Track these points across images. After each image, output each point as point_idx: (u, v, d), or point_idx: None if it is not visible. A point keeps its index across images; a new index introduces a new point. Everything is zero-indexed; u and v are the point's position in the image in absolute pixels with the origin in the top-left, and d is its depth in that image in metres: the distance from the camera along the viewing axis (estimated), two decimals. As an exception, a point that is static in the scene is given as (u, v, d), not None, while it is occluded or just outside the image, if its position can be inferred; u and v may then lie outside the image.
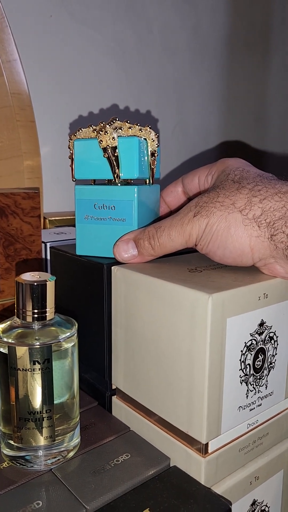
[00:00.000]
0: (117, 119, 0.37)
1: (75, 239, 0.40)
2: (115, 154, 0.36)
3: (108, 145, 0.36)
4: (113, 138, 0.36)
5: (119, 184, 0.37)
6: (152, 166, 0.38)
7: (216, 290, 0.29)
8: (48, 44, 0.67)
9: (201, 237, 0.33)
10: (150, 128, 0.37)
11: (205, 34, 0.88)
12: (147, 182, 0.39)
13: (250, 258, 0.32)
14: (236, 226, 0.31)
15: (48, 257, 0.49)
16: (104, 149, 0.36)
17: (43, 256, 0.49)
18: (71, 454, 0.32)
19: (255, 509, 0.35)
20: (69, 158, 0.39)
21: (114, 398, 0.38)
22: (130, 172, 0.37)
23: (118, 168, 0.37)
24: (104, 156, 0.36)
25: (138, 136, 0.37)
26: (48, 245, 0.49)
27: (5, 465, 0.31)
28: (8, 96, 0.59)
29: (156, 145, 0.38)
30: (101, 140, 0.36)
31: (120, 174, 0.37)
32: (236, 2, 0.93)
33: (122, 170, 0.37)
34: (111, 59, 0.75)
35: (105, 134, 0.36)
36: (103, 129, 0.36)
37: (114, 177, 0.37)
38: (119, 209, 0.37)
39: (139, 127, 0.37)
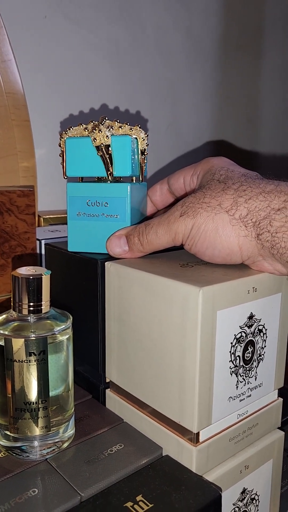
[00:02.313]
0: (106, 118, 0.38)
1: (67, 236, 0.40)
2: (109, 152, 0.37)
3: (102, 143, 0.37)
4: (107, 136, 0.37)
5: (108, 182, 0.38)
6: (142, 164, 0.39)
7: (207, 284, 0.30)
8: (42, 45, 0.68)
9: (187, 236, 0.33)
10: (140, 127, 0.38)
11: (198, 35, 0.89)
12: (135, 179, 0.39)
13: (239, 257, 0.33)
14: (224, 226, 0.32)
15: (43, 254, 0.50)
16: (98, 147, 0.37)
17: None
18: (66, 444, 0.33)
19: (245, 497, 0.36)
20: (60, 156, 0.40)
21: (107, 391, 0.39)
22: (123, 170, 0.38)
23: (111, 165, 0.37)
24: (98, 154, 0.37)
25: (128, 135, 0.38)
26: (43, 242, 0.50)
27: (2, 455, 0.32)
28: (3, 96, 0.59)
29: (146, 144, 0.39)
30: (95, 138, 0.37)
31: (114, 172, 0.38)
32: (228, 4, 0.94)
33: (115, 168, 0.38)
34: (105, 59, 0.76)
35: (99, 132, 0.37)
36: (96, 128, 0.37)
37: (107, 174, 0.38)
38: (112, 205, 0.38)
39: (129, 126, 0.38)
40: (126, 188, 0.37)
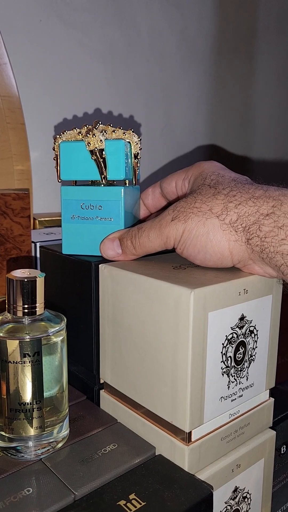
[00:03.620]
0: (100, 122, 0.38)
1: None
2: (103, 156, 0.38)
3: (96, 148, 0.37)
4: (101, 140, 0.37)
5: (102, 185, 0.39)
6: (135, 168, 0.40)
7: (198, 285, 0.31)
8: (38, 48, 0.69)
9: (179, 241, 0.34)
10: (133, 131, 0.39)
11: (192, 38, 0.90)
12: (128, 183, 0.40)
13: (230, 261, 0.33)
14: (215, 231, 0.32)
15: (38, 257, 0.50)
16: (92, 151, 0.38)
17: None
18: (60, 445, 0.33)
19: (237, 496, 0.36)
20: (54, 159, 0.40)
21: (102, 392, 0.40)
22: (117, 174, 0.38)
23: (105, 169, 0.38)
24: (92, 158, 0.38)
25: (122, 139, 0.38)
26: (38, 244, 0.50)
27: (-3, 455, 0.32)
28: (-2, 99, 0.60)
29: (139, 148, 0.39)
30: (89, 143, 0.37)
31: (107, 176, 0.38)
32: (223, 7, 0.95)
33: (109, 171, 0.38)
34: (100, 62, 0.77)
35: (93, 136, 0.37)
36: (90, 132, 0.37)
37: (101, 178, 0.38)
38: (106, 208, 0.38)
39: (122, 130, 0.38)
40: (120, 192, 0.38)
